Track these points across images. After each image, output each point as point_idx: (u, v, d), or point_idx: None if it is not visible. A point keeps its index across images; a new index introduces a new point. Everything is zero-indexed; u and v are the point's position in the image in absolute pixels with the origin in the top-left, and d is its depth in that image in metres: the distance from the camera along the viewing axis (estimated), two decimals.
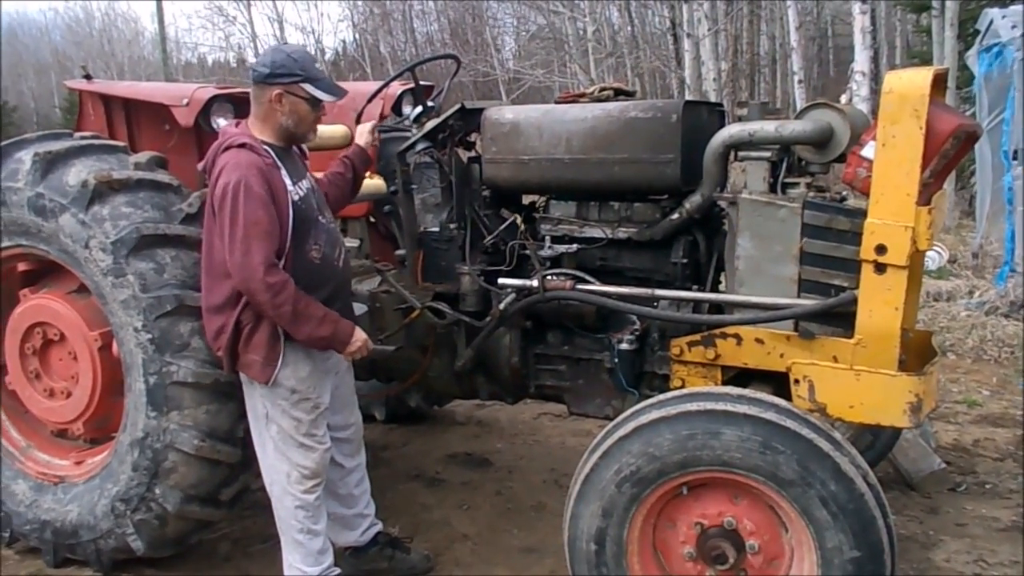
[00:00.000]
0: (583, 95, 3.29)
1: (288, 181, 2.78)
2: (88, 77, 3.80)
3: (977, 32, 7.87)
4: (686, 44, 12.67)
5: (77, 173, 3.16)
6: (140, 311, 3.03)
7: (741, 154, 2.88)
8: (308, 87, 2.80)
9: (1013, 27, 6.29)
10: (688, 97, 12.53)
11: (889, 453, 3.88)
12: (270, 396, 2.85)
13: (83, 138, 3.41)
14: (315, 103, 2.83)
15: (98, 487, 3.30)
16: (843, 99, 4.15)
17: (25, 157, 3.20)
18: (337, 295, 2.97)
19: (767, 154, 2.82)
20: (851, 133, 2.73)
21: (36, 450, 3.63)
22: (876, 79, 13.42)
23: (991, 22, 6.89)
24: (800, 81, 15.24)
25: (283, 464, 2.92)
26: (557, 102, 3.35)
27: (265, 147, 2.77)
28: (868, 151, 2.58)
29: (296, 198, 2.77)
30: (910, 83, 2.46)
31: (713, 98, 12.26)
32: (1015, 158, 6.30)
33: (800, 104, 14.82)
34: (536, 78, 16.99)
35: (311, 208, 2.86)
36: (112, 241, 3.05)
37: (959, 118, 2.60)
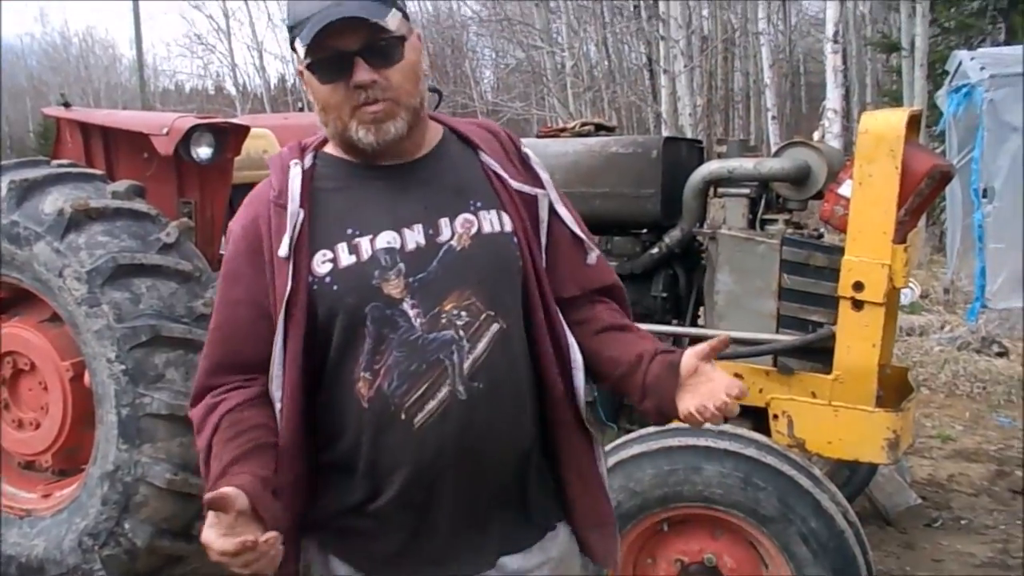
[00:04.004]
0: (564, 129, 3.31)
1: (321, 237, 1.44)
2: (66, 104, 3.78)
3: (946, 73, 8.04)
4: (663, 80, 12.84)
5: (53, 201, 3.12)
6: (114, 341, 2.98)
7: (721, 190, 2.92)
8: (297, 44, 1.42)
9: (982, 69, 6.45)
10: (665, 131, 12.68)
11: (866, 488, 3.89)
12: None
13: (60, 166, 3.38)
14: (322, 69, 1.40)
15: (66, 521, 3.22)
16: (816, 135, 4.21)
17: (1, 184, 3.16)
18: (393, 482, 1.42)
19: (746, 191, 2.86)
20: (828, 171, 2.77)
21: (2, 482, 3.55)
22: (848, 116, 13.66)
23: (960, 64, 7.05)
24: (774, 117, 15.45)
25: None
26: (538, 136, 3.37)
27: (323, 163, 1.51)
28: (845, 189, 2.62)
29: (322, 271, 1.41)
30: (886, 123, 2.50)
31: (689, 132, 12.41)
32: (984, 196, 6.43)
33: (774, 139, 15.04)
34: (515, 110, 17.12)
35: (366, 293, 1.40)
36: (87, 270, 3.00)
37: (934, 158, 2.65)
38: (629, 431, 3.11)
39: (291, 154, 1.50)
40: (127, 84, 37.47)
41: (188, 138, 3.34)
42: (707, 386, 1.41)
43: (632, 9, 17.85)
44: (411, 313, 1.39)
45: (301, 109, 10.64)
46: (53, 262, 3.07)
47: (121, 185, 3.29)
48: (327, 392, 1.44)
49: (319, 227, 1.43)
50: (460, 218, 1.45)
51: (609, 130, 3.32)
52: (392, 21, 1.38)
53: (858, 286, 2.54)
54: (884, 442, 2.57)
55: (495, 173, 1.50)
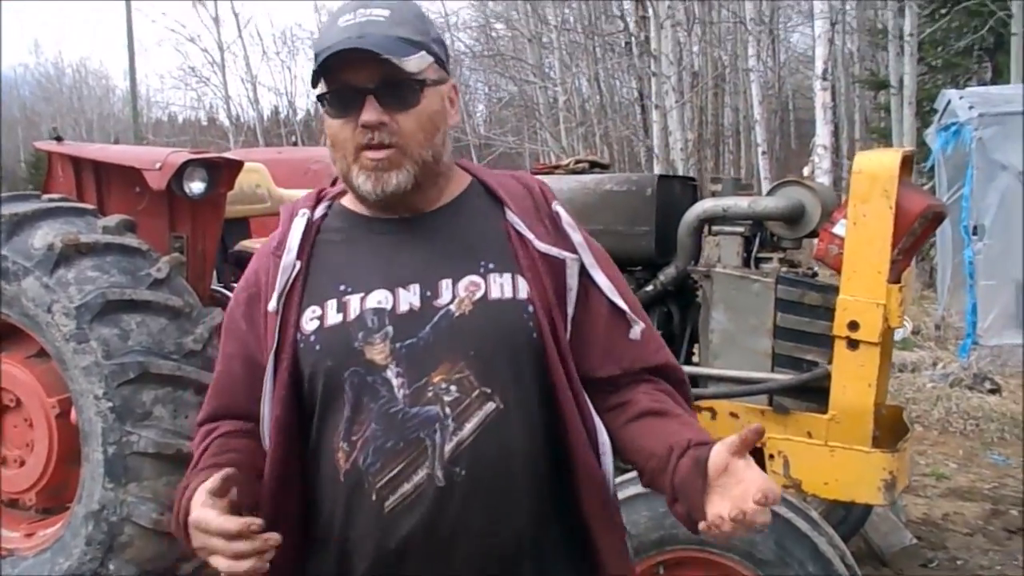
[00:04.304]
0: (558, 166, 3.31)
1: (311, 293, 1.34)
2: (59, 139, 3.76)
3: (934, 111, 8.13)
4: (654, 115, 12.95)
5: (43, 236, 3.09)
6: (102, 378, 2.94)
7: (715, 228, 2.92)
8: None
9: (970, 108, 6.52)
10: (656, 165, 12.76)
11: (861, 528, 3.85)
12: None
13: (51, 200, 3.36)
14: (333, 102, 1.30)
15: (49, 561, 3.16)
16: (805, 171, 4.19)
17: None
18: (359, 565, 1.31)
19: (740, 229, 2.85)
20: (822, 210, 2.77)
21: None
22: (837, 152, 13.79)
23: (949, 102, 7.14)
24: (764, 152, 15.59)
25: None
26: (532, 173, 3.37)
27: (334, 213, 1.43)
28: (839, 229, 2.61)
29: (308, 328, 1.31)
30: (879, 164, 2.51)
31: (680, 167, 12.50)
32: (974, 233, 6.48)
33: (764, 175, 15.16)
34: (507, 144, 17.22)
35: (347, 356, 1.29)
36: (76, 306, 2.97)
37: (927, 198, 2.65)
38: (625, 471, 3.10)
39: (304, 202, 1.42)
40: (120, 115, 37.60)
41: (181, 173, 3.33)
42: (738, 488, 1.15)
43: (623, 45, 18.06)
44: (394, 382, 1.26)
45: (295, 143, 10.66)
46: (42, 297, 3.03)
47: (112, 220, 3.27)
48: (312, 456, 1.33)
49: (314, 281, 1.34)
50: (465, 280, 1.30)
51: (603, 167, 3.32)
52: (414, 63, 1.27)
53: (853, 325, 2.53)
54: (881, 483, 2.54)
55: (518, 232, 1.34)
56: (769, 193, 2.87)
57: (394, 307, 1.29)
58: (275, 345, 1.31)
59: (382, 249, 1.35)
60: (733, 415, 2.79)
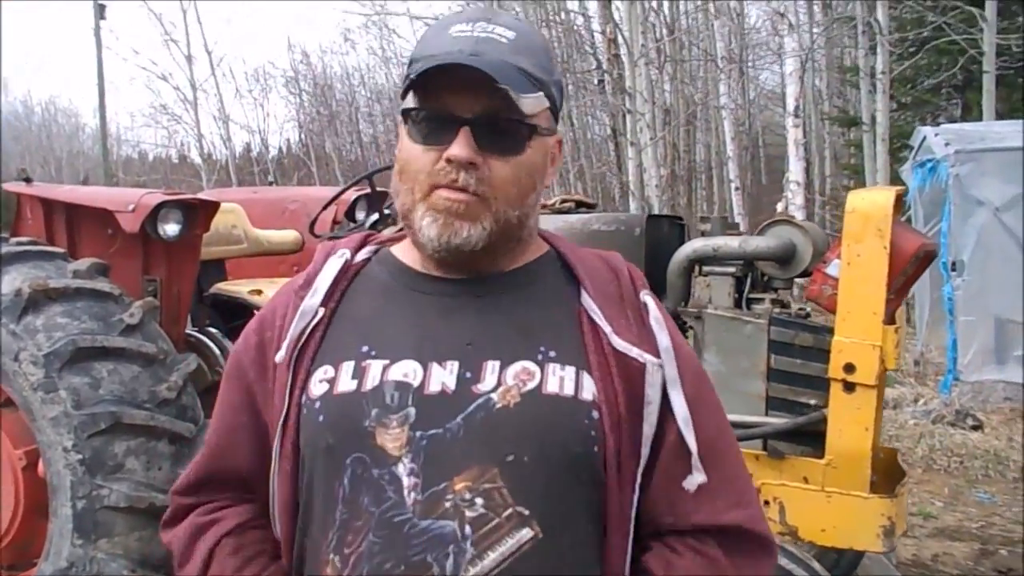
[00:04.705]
0: (545, 206, 3.26)
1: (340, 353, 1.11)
2: (27, 180, 3.66)
3: (906, 147, 8.24)
4: (629, 152, 13.03)
5: (11, 281, 2.98)
6: (71, 429, 2.81)
7: (705, 269, 2.87)
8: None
9: (946, 144, 6.60)
10: (632, 202, 12.80)
11: (853, 572, 3.78)
12: None
13: (19, 243, 3.24)
14: (419, 123, 1.10)
15: None
16: (779, 207, 4.21)
17: None
18: None
19: (731, 269, 2.81)
20: (813, 249, 2.74)
21: None
22: (809, 188, 13.93)
23: (924, 139, 7.23)
24: (737, 188, 15.76)
25: None
26: None
27: (379, 260, 1.22)
28: (833, 269, 2.58)
29: (316, 392, 1.09)
30: (872, 203, 2.48)
31: (656, 203, 12.55)
32: (953, 269, 6.52)
33: (738, 210, 15.30)
34: None
35: (352, 437, 1.06)
36: (45, 354, 2.85)
37: (920, 237, 2.63)
38: None
39: (347, 242, 1.21)
40: (90, 152, 37.33)
41: (155, 215, 3.23)
42: None
43: (596, 83, 18.24)
44: (405, 482, 0.99)
45: (271, 182, 10.50)
46: (8, 345, 2.91)
47: (83, 263, 3.16)
48: (298, 558, 1.10)
49: (334, 335, 1.11)
50: (516, 366, 1.04)
51: (590, 207, 3.28)
52: (531, 103, 1.06)
53: (849, 368, 2.48)
54: (879, 529, 2.48)
55: (592, 321, 1.10)
56: (759, 232, 2.84)
57: (422, 384, 1.04)
58: (285, 407, 1.09)
59: (424, 311, 1.11)
60: None
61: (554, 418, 1.03)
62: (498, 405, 1.02)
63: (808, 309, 2.86)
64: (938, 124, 8.39)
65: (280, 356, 1.11)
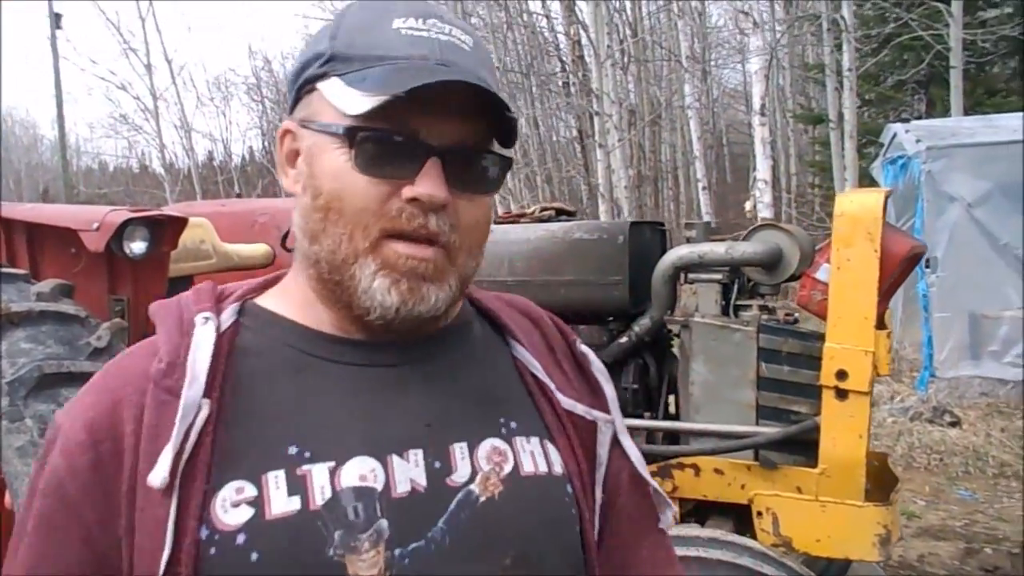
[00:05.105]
0: (523, 215, 3.20)
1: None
2: None
3: (872, 143, 8.28)
4: (598, 154, 13.01)
5: None
6: (39, 459, 2.69)
7: (691, 276, 2.82)
8: (333, 84, 0.85)
9: (918, 141, 6.64)
10: (601, 204, 12.79)
11: None
12: None
13: None
14: (371, 147, 0.82)
15: None
16: (748, 205, 4.17)
17: None
18: None
19: (718, 276, 2.76)
20: (800, 254, 2.69)
21: None
22: (775, 187, 14.02)
23: (894, 135, 7.27)
24: (704, 188, 15.81)
25: None
26: (497, 222, 3.25)
27: (254, 323, 0.90)
28: (822, 274, 2.54)
29: (230, 521, 0.76)
30: (862, 206, 2.44)
31: (625, 205, 12.54)
32: (927, 266, 6.55)
33: (705, 209, 15.35)
34: None
35: (312, 570, 0.76)
36: (8, 381, 2.72)
37: (910, 239, 2.60)
38: None
39: (201, 301, 0.88)
40: (49, 164, 36.69)
41: (121, 233, 3.11)
42: None
43: (561, 85, 18.22)
44: None
45: (239, 195, 10.22)
46: None
47: (46, 285, 3.03)
48: None
49: (235, 438, 0.79)
50: (486, 446, 0.86)
51: (570, 214, 3.22)
52: (514, 133, 0.88)
53: (841, 375, 2.44)
54: (875, 538, 2.44)
55: (537, 380, 0.94)
56: (745, 238, 2.79)
57: (388, 486, 0.80)
58: (168, 550, 0.74)
59: (359, 389, 0.85)
60: (718, 471, 2.68)
61: (543, 504, 0.87)
62: (481, 499, 0.83)
63: (796, 315, 2.82)
64: (903, 120, 8.46)
65: (158, 477, 0.75)
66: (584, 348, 1.03)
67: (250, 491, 0.77)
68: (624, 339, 2.92)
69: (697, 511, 2.81)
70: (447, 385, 0.89)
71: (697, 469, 2.69)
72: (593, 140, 13.98)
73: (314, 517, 0.77)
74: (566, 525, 0.88)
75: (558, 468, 0.89)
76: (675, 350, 2.99)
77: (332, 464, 0.79)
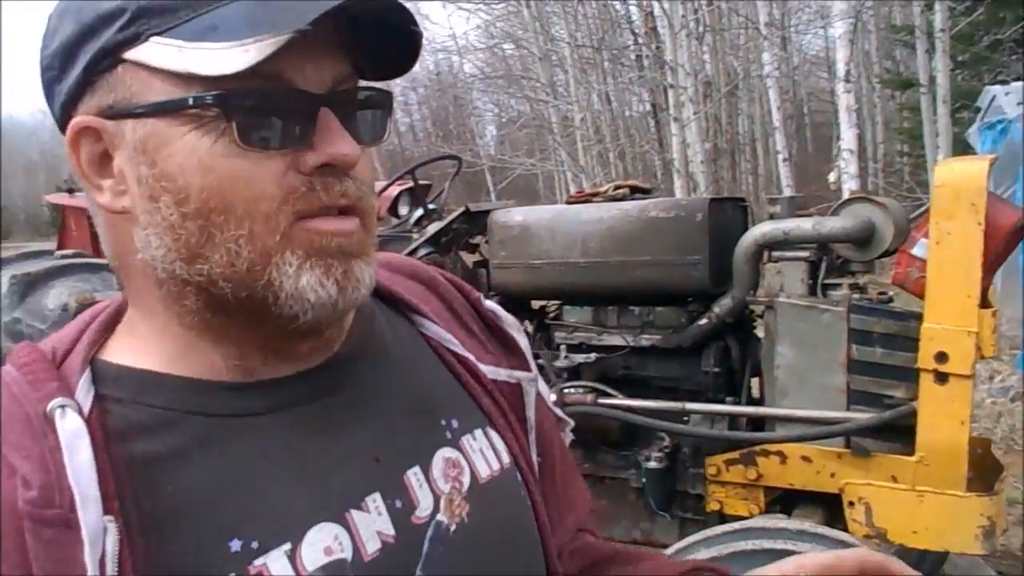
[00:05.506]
0: (596, 193, 3.09)
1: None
2: (71, 191, 3.60)
3: (965, 107, 7.85)
4: (672, 127, 12.73)
5: (57, 295, 2.94)
6: None
7: (776, 254, 2.68)
8: (159, 46, 0.62)
9: (1019, 104, 6.25)
10: (677, 180, 12.52)
11: (940, 568, 3.58)
12: None
13: (64, 256, 3.20)
14: (249, 115, 0.62)
15: None
16: (831, 177, 4.00)
17: (2, 279, 2.98)
18: None
19: (805, 253, 2.62)
20: (895, 228, 2.53)
21: None
22: (862, 156, 13.50)
23: (993, 99, 6.87)
24: (785, 159, 15.33)
25: None
26: (569, 202, 3.16)
27: (119, 391, 0.66)
28: (919, 250, 2.37)
29: None
30: (964, 175, 2.27)
31: (702, 180, 12.25)
32: None
33: (786, 182, 14.89)
34: (523, 166, 17.03)
35: None
36: None
37: (1017, 210, 2.41)
38: (683, 520, 2.86)
39: (36, 384, 0.63)
40: None
41: None
42: None
43: (634, 59, 17.87)
44: None
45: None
46: None
47: None
48: None
49: (161, 555, 0.61)
50: (438, 462, 0.75)
51: (645, 192, 3.10)
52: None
53: (941, 357, 2.28)
54: (979, 530, 2.30)
55: (456, 356, 0.83)
56: (834, 212, 2.63)
57: (357, 550, 0.66)
58: None
59: (287, 442, 0.69)
60: (805, 459, 2.56)
61: (507, 510, 0.78)
62: (452, 528, 0.72)
63: (891, 294, 2.65)
64: (1001, 83, 7.97)
65: None
66: (490, 303, 0.91)
67: None
68: (704, 321, 2.81)
69: (783, 500, 2.70)
70: (378, 402, 0.75)
71: (783, 457, 2.58)
72: (667, 114, 13.70)
73: None
74: (530, 529, 0.81)
75: (506, 457, 0.80)
76: (759, 332, 2.87)
77: (288, 546, 0.64)
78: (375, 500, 0.69)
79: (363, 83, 0.70)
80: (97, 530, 0.57)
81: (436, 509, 0.72)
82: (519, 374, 0.86)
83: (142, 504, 0.61)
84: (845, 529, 2.38)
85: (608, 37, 18.50)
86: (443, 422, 0.78)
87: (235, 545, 0.62)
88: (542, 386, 0.90)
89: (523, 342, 0.90)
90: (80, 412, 0.62)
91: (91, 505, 0.58)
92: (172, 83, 0.62)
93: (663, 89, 14.23)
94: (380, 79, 0.71)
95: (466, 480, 0.76)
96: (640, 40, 16.60)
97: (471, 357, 0.83)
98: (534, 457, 0.86)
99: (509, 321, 0.91)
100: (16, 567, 0.57)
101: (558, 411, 0.95)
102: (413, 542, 0.70)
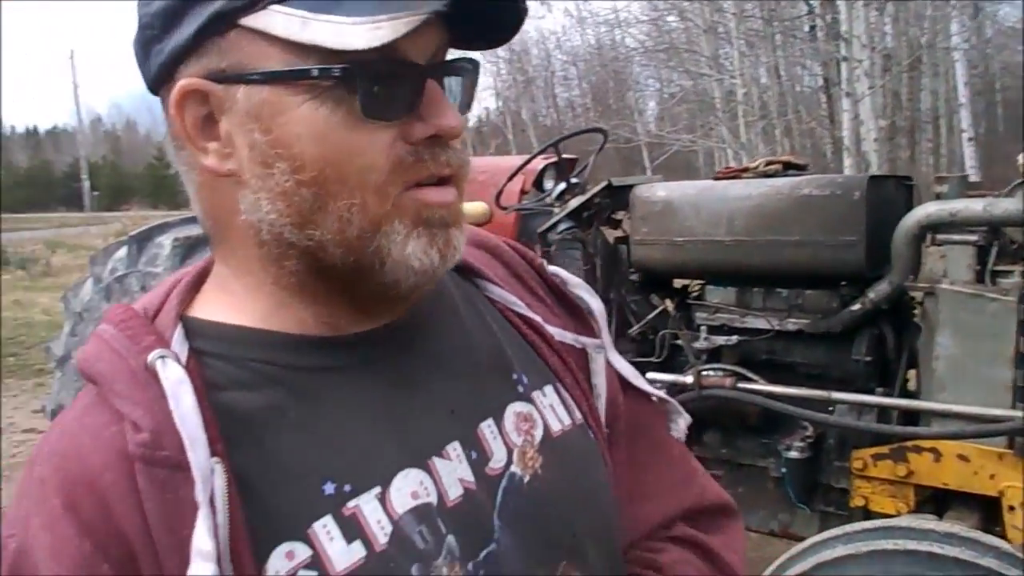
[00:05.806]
0: (746, 170, 2.98)
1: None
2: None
3: None
4: (844, 103, 12.06)
5: None
6: None
7: (940, 237, 2.49)
8: (280, 15, 0.63)
9: None
10: (847, 159, 11.88)
11: None
12: None
13: None
14: (365, 82, 0.64)
15: None
16: (1020, 159, 3.66)
17: (165, 242, 3.19)
18: None
19: (973, 237, 2.42)
20: None
21: None
22: None
23: None
24: (970, 139, 14.26)
25: None
26: (716, 178, 3.06)
27: (213, 346, 0.71)
28: None
29: None
30: None
31: (874, 159, 11.56)
32: None
33: (970, 164, 13.85)
34: (682, 143, 16.64)
35: None
36: None
37: None
38: (825, 513, 2.74)
39: (135, 337, 0.67)
40: None
41: None
42: None
43: (807, 30, 17.04)
44: None
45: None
46: None
47: None
48: None
49: (261, 496, 0.65)
50: (510, 415, 0.77)
51: (800, 169, 2.95)
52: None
53: None
54: None
55: (524, 318, 0.84)
56: (1008, 193, 2.42)
57: (441, 496, 0.70)
58: None
59: (364, 393, 0.72)
60: (962, 458, 2.38)
61: (581, 464, 0.80)
62: (526, 479, 0.75)
63: None
64: None
65: (207, 570, 0.59)
66: (555, 268, 0.93)
67: (302, 552, 0.64)
68: (857, 306, 2.66)
69: (935, 500, 2.53)
70: (451, 357, 0.77)
71: (937, 454, 2.41)
72: (840, 89, 13.00)
73: (385, 559, 0.66)
74: (602, 477, 0.81)
75: (577, 414, 0.82)
76: (917, 320, 2.68)
77: (378, 490, 0.68)
78: (455, 448, 0.73)
79: (468, 54, 0.73)
80: (206, 471, 0.61)
81: (510, 461, 0.75)
82: (585, 339, 0.87)
83: (244, 449, 0.65)
84: (1003, 536, 2.20)
85: (780, 8, 17.72)
86: (514, 376, 0.80)
87: (329, 488, 0.66)
88: (617, 359, 0.90)
89: (595, 304, 0.90)
90: (180, 362, 0.66)
91: (199, 447, 0.62)
92: (291, 52, 0.63)
93: (836, 62, 13.51)
94: (475, 49, 0.73)
95: (538, 433, 0.77)
96: (814, 10, 15.79)
97: (537, 318, 0.84)
98: (603, 422, 0.86)
99: (575, 283, 0.91)
100: (129, 510, 0.61)
101: (666, 397, 0.93)
102: (488, 492, 0.73)
